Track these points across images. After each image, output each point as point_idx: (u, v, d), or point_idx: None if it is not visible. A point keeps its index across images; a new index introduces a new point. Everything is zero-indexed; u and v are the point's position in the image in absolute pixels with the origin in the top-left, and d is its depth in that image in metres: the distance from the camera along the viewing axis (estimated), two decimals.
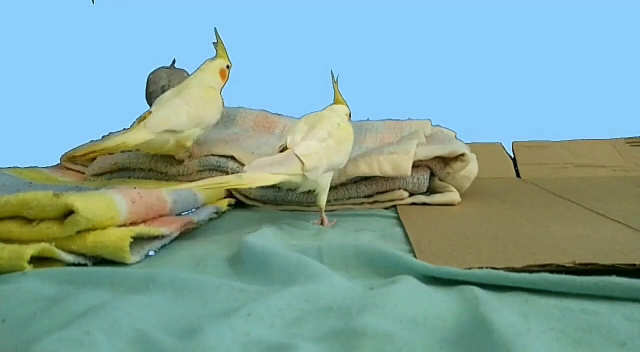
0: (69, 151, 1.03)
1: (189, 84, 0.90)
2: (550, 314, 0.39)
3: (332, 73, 0.86)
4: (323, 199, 0.77)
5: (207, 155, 0.94)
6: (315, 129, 0.75)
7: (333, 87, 0.86)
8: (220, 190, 0.89)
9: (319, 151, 0.73)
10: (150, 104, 0.96)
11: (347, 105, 0.86)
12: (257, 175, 0.68)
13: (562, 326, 0.37)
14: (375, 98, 0.99)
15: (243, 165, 0.92)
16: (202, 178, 0.90)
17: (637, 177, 1.24)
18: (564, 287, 0.43)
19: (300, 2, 1.68)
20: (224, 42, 0.93)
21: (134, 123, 0.87)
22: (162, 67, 1.15)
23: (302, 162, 0.70)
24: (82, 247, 0.54)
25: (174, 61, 1.15)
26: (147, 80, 1.12)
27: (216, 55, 0.94)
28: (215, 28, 0.92)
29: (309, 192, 0.78)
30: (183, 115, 0.86)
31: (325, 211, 0.81)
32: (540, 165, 1.34)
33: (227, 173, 0.92)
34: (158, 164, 0.93)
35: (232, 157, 0.94)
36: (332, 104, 0.85)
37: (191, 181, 0.91)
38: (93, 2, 1.57)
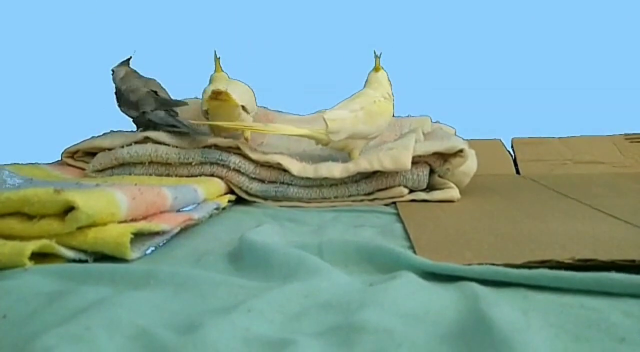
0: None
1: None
2: (549, 310, 0.39)
3: (374, 52, 0.95)
4: (355, 155, 0.91)
5: (211, 147, 0.95)
6: (352, 101, 0.90)
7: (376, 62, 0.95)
8: (220, 187, 0.89)
9: (345, 119, 0.87)
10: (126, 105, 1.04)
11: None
12: (281, 125, 0.86)
13: (561, 321, 0.37)
14: None
15: (246, 157, 0.93)
16: (203, 170, 0.93)
17: (637, 173, 1.24)
18: (563, 283, 0.43)
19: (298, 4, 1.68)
20: None
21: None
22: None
23: (327, 125, 0.85)
24: (82, 243, 0.54)
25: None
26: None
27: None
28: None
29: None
30: (252, 98, 0.97)
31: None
32: (539, 161, 1.34)
33: (229, 168, 0.93)
34: (159, 153, 0.93)
35: (237, 149, 0.94)
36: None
37: (191, 173, 0.93)
38: None
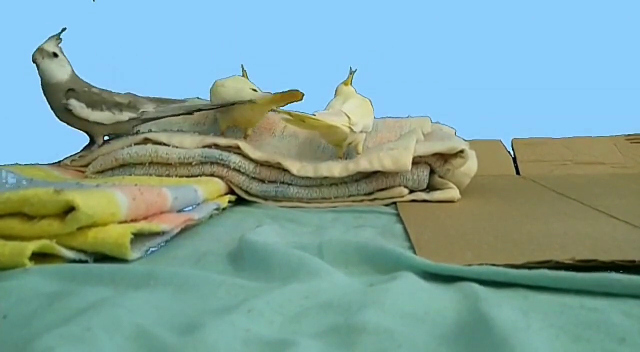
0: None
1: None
2: (549, 310, 0.39)
3: (350, 68, 1.01)
4: (360, 148, 0.94)
5: (211, 146, 0.95)
6: (348, 101, 0.93)
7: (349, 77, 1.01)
8: (220, 187, 0.89)
9: (356, 112, 0.91)
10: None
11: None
12: (319, 116, 0.86)
13: (561, 322, 0.37)
14: (374, 95, 0.99)
15: (246, 157, 0.93)
16: (203, 170, 0.94)
17: (637, 174, 1.24)
18: (564, 283, 0.43)
19: (296, 1, 1.69)
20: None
21: None
22: None
23: (349, 117, 0.88)
24: (83, 243, 0.54)
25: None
26: None
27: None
28: None
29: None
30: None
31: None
32: (539, 162, 1.34)
33: (229, 167, 0.93)
34: (159, 154, 0.93)
35: (237, 148, 0.95)
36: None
37: (192, 173, 0.93)
38: (93, 0, 1.57)
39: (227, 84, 1.02)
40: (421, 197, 0.89)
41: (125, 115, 0.99)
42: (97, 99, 0.98)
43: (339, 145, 0.93)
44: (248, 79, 1.07)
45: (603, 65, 1.62)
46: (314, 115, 0.86)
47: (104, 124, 0.98)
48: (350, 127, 0.88)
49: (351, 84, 1.00)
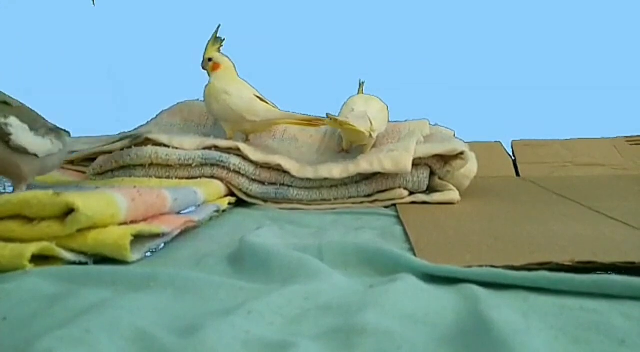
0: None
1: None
2: (549, 312, 0.39)
3: (359, 80, 1.04)
4: (368, 150, 0.97)
5: (211, 148, 0.95)
6: (371, 104, 0.97)
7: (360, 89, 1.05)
8: (220, 189, 0.89)
9: (378, 118, 0.94)
10: None
11: None
12: (351, 119, 0.89)
13: (561, 324, 0.37)
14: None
15: (246, 159, 0.93)
16: (203, 172, 0.93)
17: (637, 175, 1.24)
18: (563, 285, 0.43)
19: (296, 3, 1.69)
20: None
21: None
22: None
23: (371, 123, 0.90)
24: (82, 245, 0.54)
25: None
26: None
27: None
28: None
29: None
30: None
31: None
32: (539, 164, 1.34)
33: (229, 169, 0.93)
34: (159, 155, 0.93)
35: (237, 150, 0.95)
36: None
37: (192, 175, 0.93)
38: (94, 4, 1.57)
39: (231, 92, 0.98)
40: (421, 199, 0.90)
41: (56, 146, 0.73)
42: (35, 118, 0.70)
43: (353, 143, 0.97)
44: (220, 45, 1.02)
45: (602, 66, 1.62)
46: (348, 119, 0.89)
47: (37, 157, 0.69)
48: (370, 134, 0.90)
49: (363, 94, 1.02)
